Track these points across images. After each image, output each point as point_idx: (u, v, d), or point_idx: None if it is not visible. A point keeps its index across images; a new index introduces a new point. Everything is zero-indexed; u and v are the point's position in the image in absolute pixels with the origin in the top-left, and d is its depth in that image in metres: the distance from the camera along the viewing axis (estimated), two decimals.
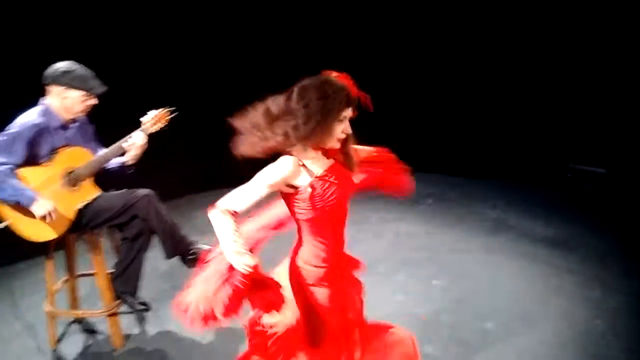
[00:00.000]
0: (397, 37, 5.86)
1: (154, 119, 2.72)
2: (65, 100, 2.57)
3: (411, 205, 4.61)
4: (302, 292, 1.84)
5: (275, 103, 1.69)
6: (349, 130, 1.74)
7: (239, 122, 1.71)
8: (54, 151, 2.58)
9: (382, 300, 3.22)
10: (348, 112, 1.70)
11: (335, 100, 1.65)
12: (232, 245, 1.66)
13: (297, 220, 1.80)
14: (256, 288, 1.76)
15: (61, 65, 2.57)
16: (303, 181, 1.71)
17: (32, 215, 2.49)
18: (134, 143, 2.68)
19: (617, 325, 2.99)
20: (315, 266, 1.83)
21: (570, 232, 4.15)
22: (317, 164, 1.76)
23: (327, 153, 1.79)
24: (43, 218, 2.49)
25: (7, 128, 2.45)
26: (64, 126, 2.64)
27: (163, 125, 2.75)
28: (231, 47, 5.85)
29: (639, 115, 4.99)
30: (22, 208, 2.48)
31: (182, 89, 5.16)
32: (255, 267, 1.67)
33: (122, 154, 2.72)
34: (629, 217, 4.41)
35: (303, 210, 1.74)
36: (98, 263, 2.77)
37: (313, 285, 1.83)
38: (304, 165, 1.72)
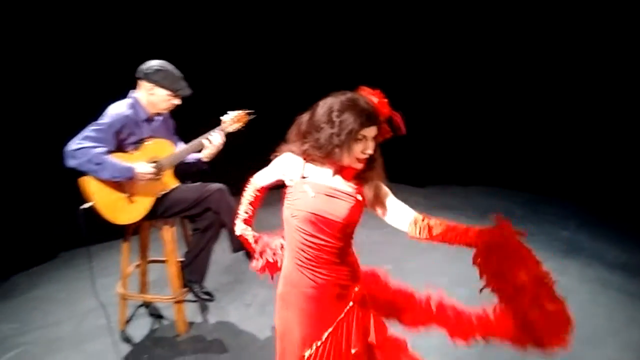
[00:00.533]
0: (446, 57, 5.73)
1: (233, 120, 2.83)
2: (152, 97, 2.72)
3: (479, 219, 4.48)
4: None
5: (305, 118, 1.71)
6: (370, 151, 1.66)
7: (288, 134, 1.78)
8: (140, 141, 2.74)
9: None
10: (369, 132, 1.63)
11: (351, 117, 1.59)
12: (240, 212, 2.01)
13: None
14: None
15: (154, 64, 2.72)
16: (294, 178, 1.75)
17: (115, 199, 2.66)
18: (212, 141, 2.80)
19: None
20: (283, 285, 1.85)
21: None
22: (321, 174, 1.73)
23: (345, 171, 1.72)
24: (137, 192, 2.70)
25: (99, 118, 2.62)
26: (150, 119, 2.79)
27: (241, 126, 2.85)
28: (307, 51, 5.94)
29: None
30: (108, 191, 2.65)
31: (260, 86, 5.29)
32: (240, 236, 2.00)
33: (200, 150, 2.85)
34: None
35: (284, 207, 1.76)
36: (169, 251, 2.90)
37: (278, 307, 1.89)
38: (305, 165, 1.74)
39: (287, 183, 1.77)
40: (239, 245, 2.87)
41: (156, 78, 2.68)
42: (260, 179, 1.96)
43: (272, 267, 1.99)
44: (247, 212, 2.01)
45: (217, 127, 2.83)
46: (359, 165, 1.68)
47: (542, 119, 5.52)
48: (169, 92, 2.71)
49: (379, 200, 1.72)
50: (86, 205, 2.62)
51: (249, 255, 2.93)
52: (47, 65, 4.33)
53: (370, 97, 1.70)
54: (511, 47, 5.52)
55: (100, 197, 2.63)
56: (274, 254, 1.98)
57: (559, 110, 5.44)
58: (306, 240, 1.70)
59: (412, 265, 3.73)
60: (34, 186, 4.27)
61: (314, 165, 1.73)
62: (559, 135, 5.40)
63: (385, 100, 1.71)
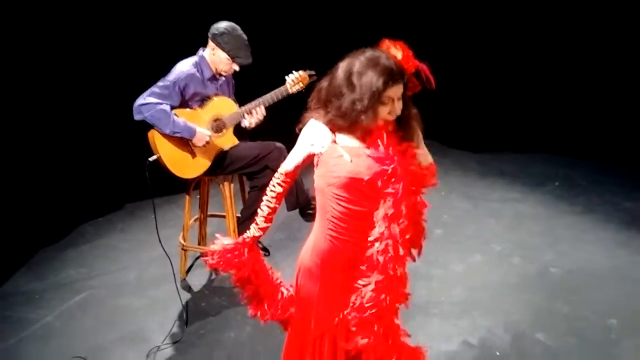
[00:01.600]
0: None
1: (295, 80, 2.84)
2: (213, 57, 2.78)
3: (535, 187, 4.36)
4: (295, 283, 1.79)
5: (324, 84, 1.58)
6: (398, 112, 1.53)
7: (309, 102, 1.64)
8: (205, 98, 2.81)
9: (494, 280, 3.15)
10: (394, 91, 1.49)
11: (374, 78, 1.45)
12: (261, 209, 1.77)
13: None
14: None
15: (223, 25, 2.74)
16: (324, 144, 1.58)
17: (180, 154, 2.77)
18: (255, 110, 2.85)
19: None
20: (310, 256, 1.70)
21: None
22: (351, 138, 1.58)
23: (377, 132, 1.56)
24: (198, 150, 2.78)
25: (165, 75, 2.71)
26: (214, 77, 2.85)
27: (302, 88, 2.86)
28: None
29: None
30: (174, 146, 2.76)
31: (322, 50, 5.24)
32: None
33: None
34: None
35: (316, 176, 1.63)
36: (228, 206, 3.00)
37: (300, 277, 1.75)
38: (333, 132, 1.58)
39: (316, 152, 1.61)
40: (295, 204, 2.95)
41: (220, 40, 2.71)
42: (289, 162, 1.71)
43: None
44: (268, 207, 1.75)
45: (281, 87, 2.85)
46: (389, 127, 1.55)
47: (608, 83, 5.21)
48: (228, 57, 2.74)
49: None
50: (152, 158, 2.75)
51: (304, 214, 3.01)
52: (125, 18, 4.43)
53: (393, 51, 1.53)
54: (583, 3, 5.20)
55: (165, 150, 2.75)
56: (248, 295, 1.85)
57: (627, 75, 5.12)
58: (344, 208, 1.57)
59: (467, 232, 3.69)
60: (102, 138, 4.45)
61: (342, 133, 1.59)
62: (626, 102, 5.10)
63: (410, 52, 1.54)
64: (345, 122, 1.52)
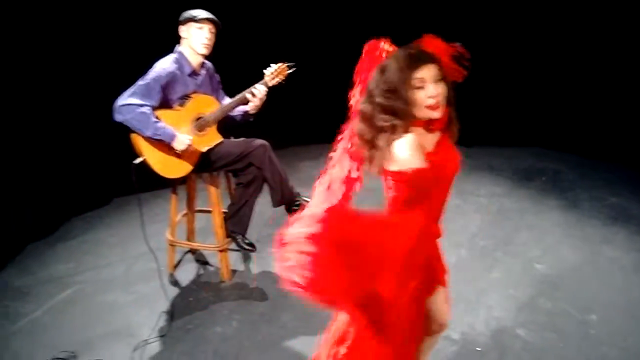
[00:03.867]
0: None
1: (274, 73, 2.85)
2: (186, 40, 2.82)
3: (522, 181, 4.40)
4: None
5: (362, 102, 1.56)
6: (436, 93, 1.50)
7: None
8: (185, 97, 2.81)
9: (477, 275, 3.19)
10: (425, 72, 1.49)
11: (395, 64, 1.49)
12: None
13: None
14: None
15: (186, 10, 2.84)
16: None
17: (164, 155, 2.78)
18: (256, 94, 2.84)
19: None
20: None
21: None
22: (426, 140, 1.59)
23: (432, 126, 1.58)
24: (181, 152, 2.79)
25: (145, 74, 2.71)
26: (194, 72, 2.86)
27: (282, 80, 2.88)
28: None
29: None
30: (157, 147, 2.76)
31: (301, 43, 5.24)
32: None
33: (245, 104, 2.90)
34: None
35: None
36: (214, 203, 3.02)
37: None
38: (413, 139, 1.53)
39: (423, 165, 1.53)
40: (280, 200, 2.97)
41: (185, 17, 2.80)
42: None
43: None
44: None
45: (260, 81, 2.87)
46: (436, 114, 1.53)
47: (598, 78, 5.22)
48: (194, 24, 2.78)
49: None
50: (138, 160, 2.76)
51: (289, 210, 3.04)
52: (100, 19, 4.41)
53: (419, 42, 1.59)
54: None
55: (150, 152, 2.76)
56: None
57: (612, 69, 5.13)
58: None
59: (453, 227, 3.72)
60: (90, 133, 4.44)
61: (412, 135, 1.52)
62: (612, 97, 5.11)
63: (434, 37, 1.59)
64: (397, 120, 1.50)
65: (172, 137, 2.73)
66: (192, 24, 2.78)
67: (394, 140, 1.50)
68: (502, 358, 2.55)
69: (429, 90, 1.50)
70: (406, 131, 1.51)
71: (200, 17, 2.78)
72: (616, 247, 3.50)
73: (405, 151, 1.49)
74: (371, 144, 1.54)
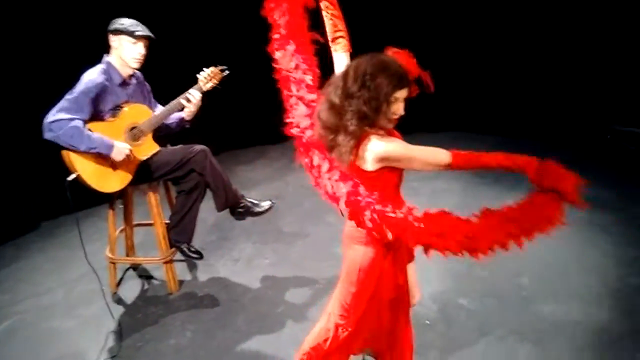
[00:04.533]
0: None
1: (207, 77, 2.85)
2: (118, 50, 2.72)
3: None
4: None
5: (334, 93, 1.67)
6: (402, 112, 1.72)
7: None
8: (117, 107, 2.74)
9: (417, 254, 3.35)
10: (402, 93, 1.68)
11: (385, 80, 1.62)
12: None
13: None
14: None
15: (117, 19, 2.73)
16: None
17: (100, 168, 2.69)
18: (191, 99, 2.83)
19: None
20: None
21: (610, 192, 4.16)
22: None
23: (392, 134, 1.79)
24: (118, 164, 2.71)
25: (73, 87, 2.60)
26: (125, 83, 2.79)
27: (216, 84, 2.88)
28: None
29: None
30: (92, 161, 2.67)
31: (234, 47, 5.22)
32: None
33: (180, 110, 2.87)
34: None
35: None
36: (155, 214, 2.96)
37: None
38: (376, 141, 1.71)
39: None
40: (224, 204, 2.97)
41: (116, 27, 2.70)
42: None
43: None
44: None
45: (194, 86, 2.85)
46: (392, 125, 1.75)
47: (508, 62, 5.65)
48: (129, 38, 2.69)
49: None
50: (71, 177, 2.65)
51: (234, 213, 3.05)
52: (21, 34, 4.16)
53: (399, 58, 1.72)
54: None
55: (84, 167, 2.65)
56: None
57: (525, 53, 5.57)
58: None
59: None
60: (15, 157, 4.18)
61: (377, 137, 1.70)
62: (527, 78, 5.55)
63: (414, 60, 1.76)
64: (367, 123, 1.66)
65: (110, 147, 2.64)
66: (126, 37, 2.68)
67: (352, 143, 1.65)
68: (450, 327, 2.73)
69: (399, 108, 1.70)
70: (364, 135, 1.67)
71: (137, 33, 2.69)
72: None
73: (385, 143, 1.68)
74: (333, 134, 1.67)
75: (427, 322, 2.75)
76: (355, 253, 1.88)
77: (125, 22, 2.71)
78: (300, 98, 1.77)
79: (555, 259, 3.29)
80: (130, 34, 2.69)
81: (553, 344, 2.60)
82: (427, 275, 3.11)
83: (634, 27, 5.02)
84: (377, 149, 1.68)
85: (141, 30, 2.72)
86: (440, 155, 1.71)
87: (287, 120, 1.79)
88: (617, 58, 5.18)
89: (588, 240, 3.51)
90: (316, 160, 1.74)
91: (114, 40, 2.72)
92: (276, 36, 1.82)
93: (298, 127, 1.77)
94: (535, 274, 3.14)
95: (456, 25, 5.76)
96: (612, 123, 5.29)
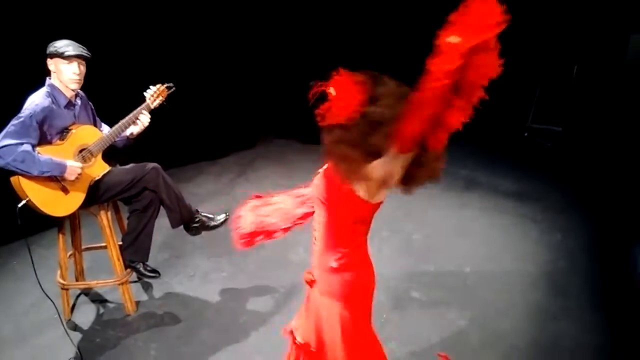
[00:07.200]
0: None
1: (154, 95, 2.87)
2: (57, 73, 2.69)
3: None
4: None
5: (349, 129, 1.52)
6: None
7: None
8: (64, 130, 2.70)
9: (373, 255, 3.53)
10: None
11: (391, 101, 1.50)
12: None
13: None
14: None
15: (52, 42, 2.69)
16: None
17: (51, 192, 2.63)
18: (141, 118, 2.84)
19: (577, 264, 3.41)
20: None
21: (533, 185, 4.59)
22: None
23: None
24: (70, 186, 2.68)
25: (19, 112, 2.55)
26: (70, 103, 2.76)
27: (163, 101, 2.91)
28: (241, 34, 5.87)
29: (589, 79, 5.43)
30: (42, 185, 2.61)
31: (180, 64, 5.21)
32: None
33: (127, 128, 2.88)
34: (583, 171, 4.88)
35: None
36: (108, 235, 2.92)
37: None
38: None
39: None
40: (179, 220, 2.99)
41: (51, 50, 2.66)
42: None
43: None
44: None
45: (142, 105, 2.87)
46: None
47: None
48: (61, 60, 2.65)
49: None
50: (22, 203, 2.58)
51: (189, 228, 3.07)
52: None
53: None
54: None
55: (34, 192, 2.59)
56: None
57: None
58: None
59: None
60: None
61: None
62: None
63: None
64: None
65: (63, 167, 2.60)
66: (59, 59, 2.65)
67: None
68: (404, 318, 2.91)
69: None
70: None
71: (67, 53, 2.65)
72: (473, 209, 4.17)
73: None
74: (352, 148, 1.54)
75: (384, 316, 2.92)
76: (340, 284, 1.78)
77: (58, 44, 2.68)
78: None
79: (493, 250, 3.60)
80: (61, 55, 2.65)
81: (499, 325, 2.85)
82: (380, 273, 3.27)
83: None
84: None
85: (72, 49, 2.67)
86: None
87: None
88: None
89: (520, 230, 3.86)
90: None
91: (50, 63, 2.69)
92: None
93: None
94: (476, 264, 3.41)
95: None
96: (528, 122, 5.81)
